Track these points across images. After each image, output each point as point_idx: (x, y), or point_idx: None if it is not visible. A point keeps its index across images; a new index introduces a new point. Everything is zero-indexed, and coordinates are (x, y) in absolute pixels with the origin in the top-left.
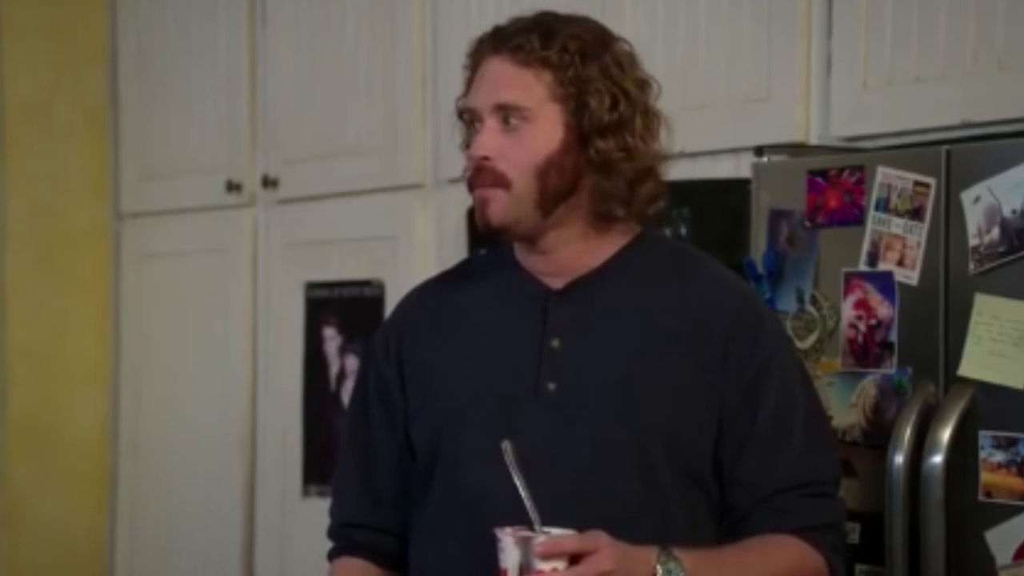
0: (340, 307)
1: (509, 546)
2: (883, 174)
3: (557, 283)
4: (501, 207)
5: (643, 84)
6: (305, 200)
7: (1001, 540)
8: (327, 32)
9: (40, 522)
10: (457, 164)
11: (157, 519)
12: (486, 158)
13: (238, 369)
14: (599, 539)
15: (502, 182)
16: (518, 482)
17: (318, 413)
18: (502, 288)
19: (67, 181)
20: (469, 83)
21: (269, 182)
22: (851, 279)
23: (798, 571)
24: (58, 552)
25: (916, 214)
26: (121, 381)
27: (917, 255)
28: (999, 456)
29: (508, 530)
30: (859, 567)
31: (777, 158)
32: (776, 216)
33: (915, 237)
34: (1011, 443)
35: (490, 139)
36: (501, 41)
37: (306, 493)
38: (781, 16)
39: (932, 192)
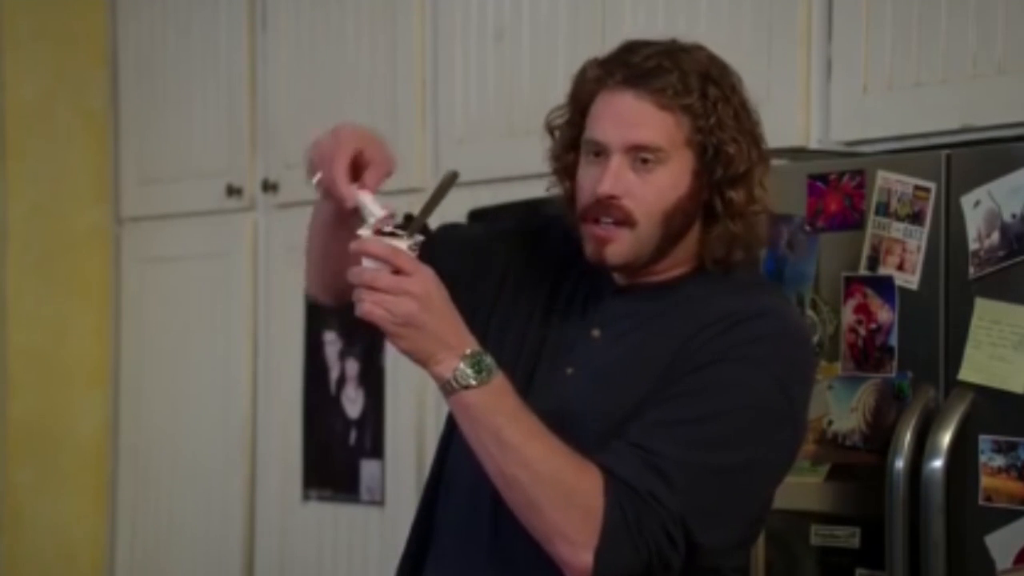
0: (340, 312)
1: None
2: (883, 178)
3: (622, 279)
4: (624, 247)
5: (758, 121)
6: (306, 204)
7: (1001, 544)
8: (327, 36)
9: (40, 526)
10: (456, 168)
11: (157, 523)
12: (614, 196)
13: (238, 373)
14: (421, 269)
15: (628, 221)
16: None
17: (318, 417)
18: (578, 266)
19: (67, 185)
20: (577, 104)
21: (269, 186)
22: (851, 283)
23: (571, 487)
24: (58, 556)
25: (916, 218)
26: (121, 385)
27: (917, 259)
28: (999, 460)
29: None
30: (859, 571)
31: (777, 162)
32: (776, 220)
33: (915, 241)
34: (1011, 447)
35: (620, 177)
36: (638, 77)
37: (306, 498)
38: (781, 20)
39: (932, 196)
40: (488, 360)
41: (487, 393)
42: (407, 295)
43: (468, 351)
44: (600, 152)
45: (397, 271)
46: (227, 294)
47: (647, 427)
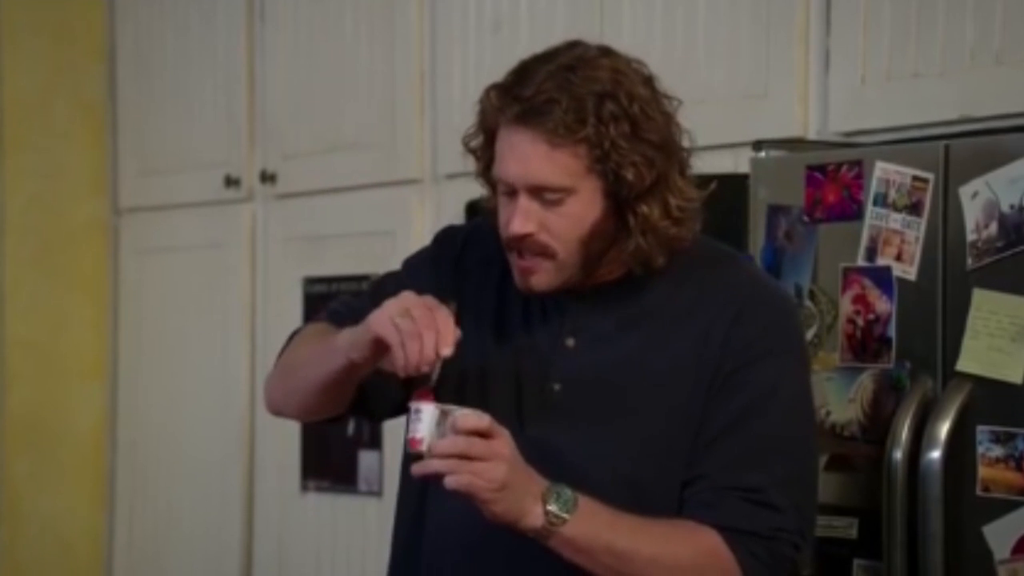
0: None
1: (428, 417)
2: (881, 169)
3: (583, 282)
4: (547, 277)
5: (669, 117)
6: (303, 195)
7: (999, 535)
8: (325, 27)
9: (38, 517)
10: (454, 160)
11: (155, 514)
12: (528, 234)
13: (236, 364)
14: (501, 429)
15: (547, 253)
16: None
17: None
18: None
19: (66, 177)
20: (485, 131)
21: (267, 177)
22: (849, 274)
23: (700, 560)
24: (56, 547)
25: (914, 209)
26: (119, 376)
27: (915, 250)
28: (997, 451)
29: (424, 403)
30: (857, 562)
31: (775, 153)
32: (774, 211)
33: (913, 232)
34: (1009, 438)
35: (528, 216)
36: (530, 115)
37: (304, 488)
38: (779, 12)
39: (930, 187)
40: (565, 490)
41: (582, 519)
42: (499, 458)
43: (544, 491)
44: (508, 191)
45: (483, 435)
46: (225, 285)
47: (729, 465)
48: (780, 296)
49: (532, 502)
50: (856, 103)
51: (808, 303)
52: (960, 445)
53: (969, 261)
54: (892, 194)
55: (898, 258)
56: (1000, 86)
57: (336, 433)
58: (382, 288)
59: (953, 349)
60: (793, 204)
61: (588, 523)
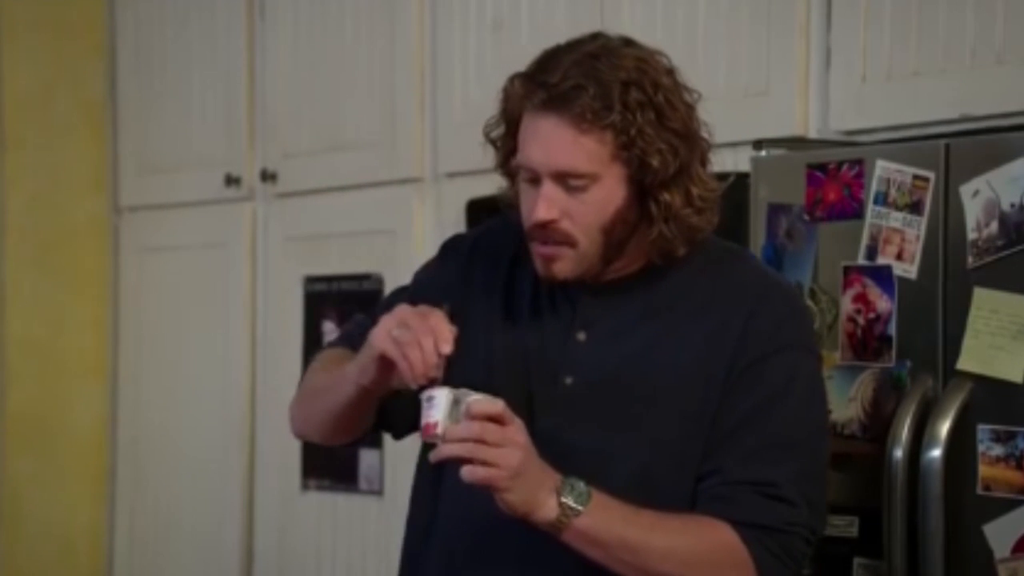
0: (339, 301)
1: (443, 402)
2: (882, 168)
3: (599, 275)
4: (569, 265)
5: (691, 108)
6: (304, 194)
7: (1000, 533)
8: (326, 26)
9: (39, 516)
10: (455, 159)
11: (156, 513)
12: (551, 221)
13: (237, 363)
14: (516, 418)
15: (568, 241)
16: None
17: None
18: (527, 265)
19: (66, 175)
20: (508, 119)
21: (268, 176)
22: (850, 273)
23: (714, 555)
24: (57, 547)
25: (915, 208)
26: (120, 375)
27: (916, 249)
28: (998, 450)
29: (437, 389)
30: (857, 560)
31: (776, 152)
32: (775, 210)
33: (914, 231)
34: (1010, 437)
35: (552, 203)
36: (557, 101)
37: (305, 487)
38: (780, 10)
39: (931, 186)
40: (579, 483)
41: (595, 512)
42: (514, 445)
43: (559, 483)
44: (531, 177)
45: (497, 421)
46: (226, 284)
47: (744, 460)
48: (790, 291)
49: (547, 494)
50: (857, 101)
51: (809, 302)
52: (960, 444)
53: (970, 260)
54: (893, 193)
55: (899, 257)
56: (1001, 85)
57: None
58: (392, 305)
59: (954, 348)
60: (794, 203)
61: (602, 516)
